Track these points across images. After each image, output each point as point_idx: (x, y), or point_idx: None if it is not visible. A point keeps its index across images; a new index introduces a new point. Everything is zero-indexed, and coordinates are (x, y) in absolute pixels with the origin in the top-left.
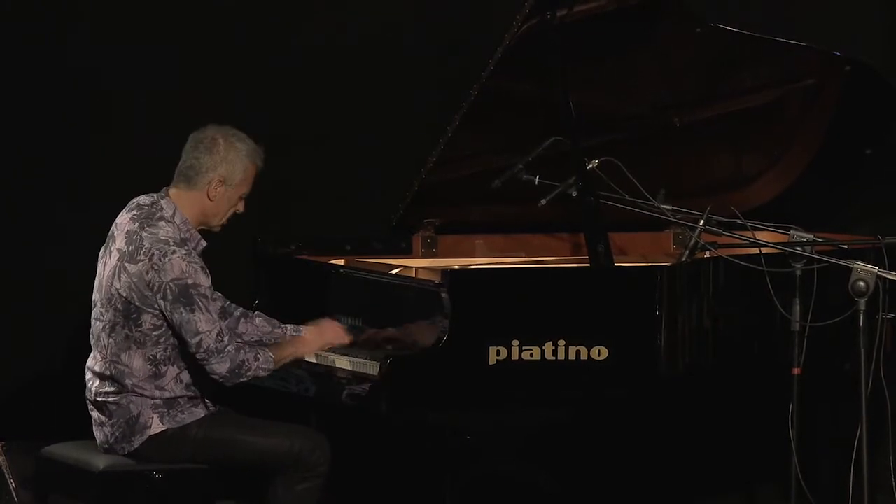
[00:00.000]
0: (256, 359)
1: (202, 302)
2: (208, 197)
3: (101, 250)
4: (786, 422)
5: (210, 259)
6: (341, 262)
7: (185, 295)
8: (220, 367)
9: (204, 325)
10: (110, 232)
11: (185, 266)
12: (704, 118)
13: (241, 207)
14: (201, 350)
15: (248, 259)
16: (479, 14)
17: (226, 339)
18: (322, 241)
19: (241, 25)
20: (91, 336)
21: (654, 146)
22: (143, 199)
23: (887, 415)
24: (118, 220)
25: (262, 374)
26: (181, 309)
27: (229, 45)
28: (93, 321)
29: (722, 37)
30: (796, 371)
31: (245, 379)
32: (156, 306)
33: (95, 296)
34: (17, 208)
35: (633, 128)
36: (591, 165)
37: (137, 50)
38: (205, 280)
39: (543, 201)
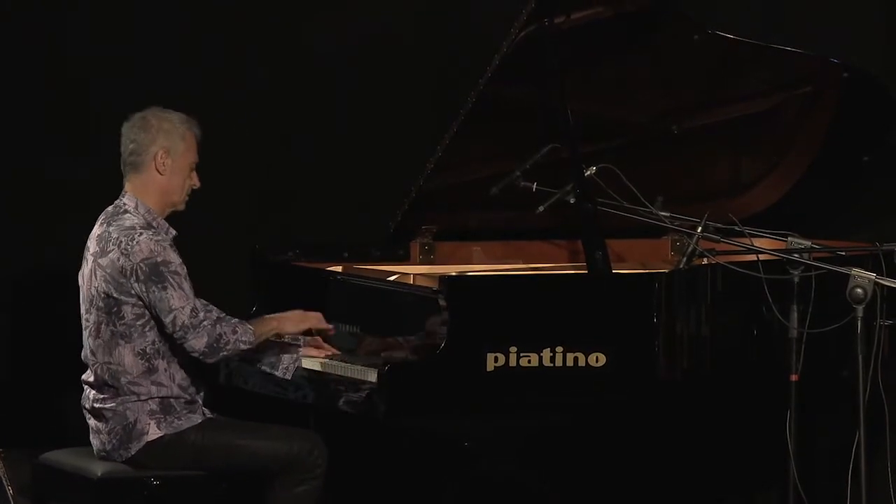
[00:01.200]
0: (235, 332)
1: (174, 279)
2: (158, 172)
3: (80, 270)
4: (784, 428)
5: (208, 266)
6: (339, 269)
7: (155, 273)
8: (197, 342)
9: (177, 301)
10: (86, 247)
11: (153, 245)
12: (702, 125)
13: (195, 180)
14: (177, 327)
15: (246, 266)
16: (478, 19)
17: (201, 314)
18: (320, 247)
19: (240, 27)
20: (83, 354)
21: (651, 153)
22: (108, 207)
23: (885, 422)
24: (91, 233)
25: (242, 346)
26: (153, 288)
27: (228, 48)
28: (83, 335)
29: (720, 44)
30: (794, 378)
31: (225, 353)
32: (132, 292)
33: (81, 308)
34: (16, 213)
35: (631, 134)
36: (588, 172)
37: (137, 51)
38: (175, 257)
39: (541, 208)
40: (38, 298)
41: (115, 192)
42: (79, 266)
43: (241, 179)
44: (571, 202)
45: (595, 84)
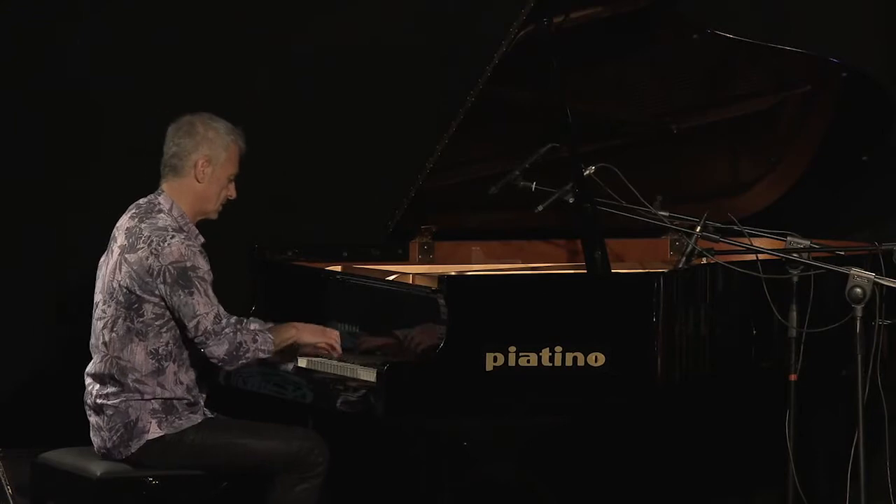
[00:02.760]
0: (255, 340)
1: (200, 285)
2: (196, 179)
3: (102, 257)
4: (783, 428)
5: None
6: (338, 268)
7: (183, 277)
8: (218, 349)
9: (202, 307)
10: (111, 235)
11: (183, 249)
12: (702, 125)
13: (232, 191)
14: (199, 333)
15: (246, 265)
16: (478, 19)
17: (223, 321)
18: (319, 247)
19: (240, 28)
20: (91, 342)
21: (651, 152)
22: (141, 200)
23: (884, 421)
24: (119, 223)
25: (261, 355)
26: (179, 292)
27: (229, 48)
28: (94, 325)
29: (719, 43)
30: (793, 377)
31: (244, 361)
32: (156, 292)
33: (97, 297)
34: (14, 213)
35: (631, 134)
36: (587, 172)
37: (138, 51)
38: (203, 264)
39: (540, 207)
40: (38, 299)
41: (115, 192)
42: (82, 264)
43: (241, 179)
44: (570, 202)
45: (594, 84)
